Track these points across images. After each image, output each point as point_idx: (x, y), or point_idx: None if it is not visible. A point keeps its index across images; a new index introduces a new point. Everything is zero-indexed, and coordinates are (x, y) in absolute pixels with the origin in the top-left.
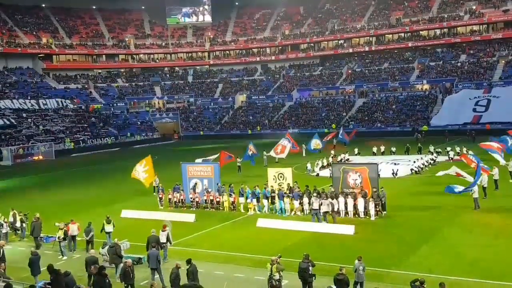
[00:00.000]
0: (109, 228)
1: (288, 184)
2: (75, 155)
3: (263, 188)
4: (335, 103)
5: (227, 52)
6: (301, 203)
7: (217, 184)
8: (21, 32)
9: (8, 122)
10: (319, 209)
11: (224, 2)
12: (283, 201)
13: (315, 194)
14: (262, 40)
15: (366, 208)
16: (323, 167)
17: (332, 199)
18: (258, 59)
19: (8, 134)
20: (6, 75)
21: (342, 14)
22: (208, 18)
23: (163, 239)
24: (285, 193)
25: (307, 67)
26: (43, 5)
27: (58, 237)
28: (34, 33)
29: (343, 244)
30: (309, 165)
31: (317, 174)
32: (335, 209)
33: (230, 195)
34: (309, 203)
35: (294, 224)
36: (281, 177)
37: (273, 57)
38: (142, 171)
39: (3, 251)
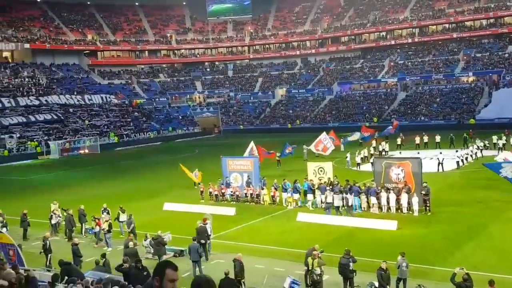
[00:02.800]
0: (123, 217)
1: (329, 178)
2: (119, 149)
3: (303, 182)
4: (377, 96)
5: (266, 46)
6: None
7: (263, 178)
8: (68, 29)
9: (55, 117)
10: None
11: None
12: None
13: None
14: (302, 33)
15: (409, 203)
16: (364, 158)
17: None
18: (298, 52)
19: (56, 129)
20: (53, 71)
21: (384, 6)
22: (248, 13)
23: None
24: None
25: (347, 60)
26: (88, 3)
27: (103, 229)
28: (80, 30)
29: (385, 240)
30: (348, 156)
31: (358, 165)
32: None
33: (275, 189)
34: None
35: (335, 218)
36: (321, 171)
37: (313, 50)
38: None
39: (49, 242)
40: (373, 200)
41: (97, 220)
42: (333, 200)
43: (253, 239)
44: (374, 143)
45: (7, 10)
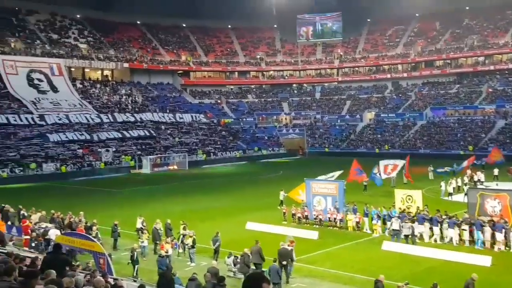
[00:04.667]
0: (138, 224)
1: (418, 207)
2: (206, 166)
3: (390, 209)
4: (473, 123)
5: (356, 69)
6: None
7: (348, 203)
8: (164, 50)
9: (148, 133)
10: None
11: (355, 19)
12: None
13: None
14: (394, 57)
15: (506, 238)
16: (457, 187)
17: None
18: (388, 76)
19: (148, 144)
20: (149, 90)
21: (483, 30)
22: (338, 36)
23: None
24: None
25: (442, 85)
26: (184, 25)
27: (187, 244)
28: (175, 51)
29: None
30: (443, 185)
31: (450, 195)
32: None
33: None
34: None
35: (424, 250)
36: (409, 199)
37: (405, 74)
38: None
39: (136, 254)
40: (481, 235)
41: (193, 235)
42: (400, 227)
43: (335, 265)
44: (468, 172)
45: (111, 32)
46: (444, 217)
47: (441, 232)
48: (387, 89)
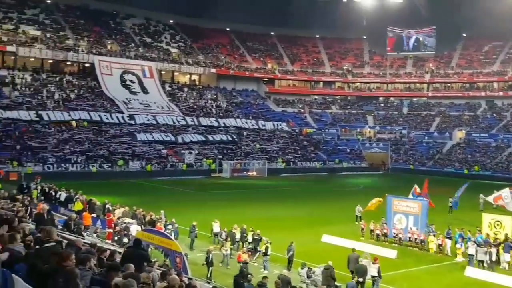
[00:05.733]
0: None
1: (506, 234)
2: (284, 175)
3: (475, 234)
4: None
5: (448, 84)
6: None
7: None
8: (250, 57)
9: (230, 138)
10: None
11: (449, 33)
12: None
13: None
14: (490, 74)
15: None
16: None
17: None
18: (483, 94)
19: (229, 149)
20: (234, 96)
21: None
22: (430, 50)
23: (373, 272)
24: None
25: None
26: (272, 33)
27: (260, 251)
28: (262, 59)
29: None
30: None
31: None
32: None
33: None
34: None
35: (507, 278)
36: (497, 225)
37: (500, 93)
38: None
39: (211, 256)
40: None
41: (267, 243)
42: (476, 253)
43: (412, 286)
44: None
45: (201, 38)
46: None
47: None
48: (480, 108)
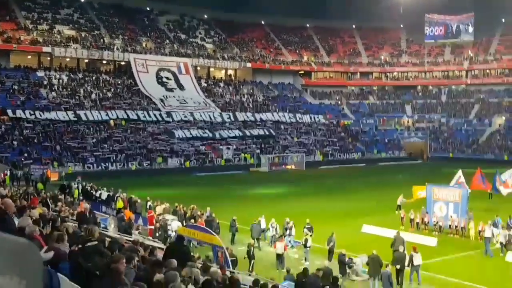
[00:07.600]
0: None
1: None
2: (323, 167)
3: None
4: None
5: (487, 71)
6: None
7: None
8: (286, 50)
9: (267, 133)
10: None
11: (488, 19)
12: None
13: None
14: None
15: None
16: None
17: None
18: None
19: (267, 143)
20: (270, 90)
21: None
22: (469, 36)
23: (417, 261)
24: None
25: None
26: (307, 25)
27: (300, 243)
28: (297, 51)
29: None
30: None
31: None
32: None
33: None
34: None
35: None
36: None
37: None
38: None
39: (253, 249)
40: None
41: (307, 235)
42: (492, 235)
43: (455, 274)
44: None
45: (236, 32)
46: None
47: None
48: None
